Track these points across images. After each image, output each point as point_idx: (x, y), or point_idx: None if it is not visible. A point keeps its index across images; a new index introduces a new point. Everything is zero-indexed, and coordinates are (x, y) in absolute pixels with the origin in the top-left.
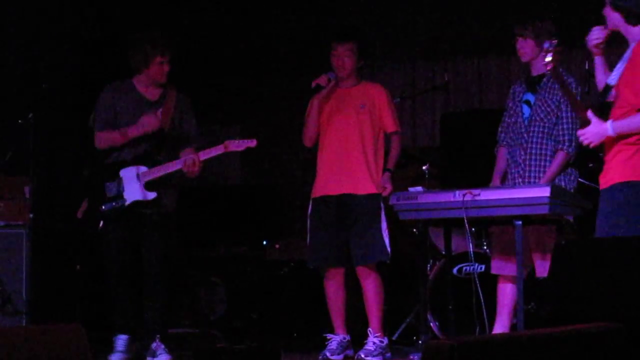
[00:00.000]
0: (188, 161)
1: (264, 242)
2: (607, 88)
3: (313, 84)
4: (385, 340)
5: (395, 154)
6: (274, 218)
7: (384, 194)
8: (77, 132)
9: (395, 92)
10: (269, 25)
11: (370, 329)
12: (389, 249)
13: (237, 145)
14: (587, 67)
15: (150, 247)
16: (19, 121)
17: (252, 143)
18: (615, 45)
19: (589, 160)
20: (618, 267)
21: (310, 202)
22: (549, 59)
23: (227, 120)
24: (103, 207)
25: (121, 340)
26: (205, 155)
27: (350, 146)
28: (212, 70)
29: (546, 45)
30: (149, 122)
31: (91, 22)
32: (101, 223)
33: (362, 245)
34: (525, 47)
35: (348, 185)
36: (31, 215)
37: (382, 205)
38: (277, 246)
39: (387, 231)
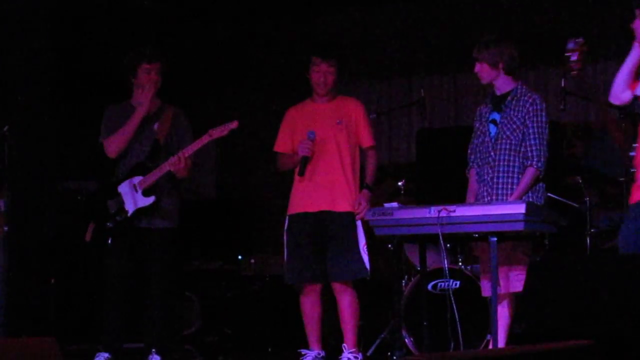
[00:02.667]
0: (173, 159)
1: (239, 257)
2: (635, 99)
3: (301, 155)
4: (360, 356)
5: (372, 169)
6: (249, 233)
7: (358, 211)
8: (53, 145)
9: (371, 108)
10: (240, 43)
11: (344, 344)
12: (367, 266)
13: (221, 130)
14: (562, 85)
15: (156, 264)
16: None
17: (234, 124)
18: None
19: (565, 174)
20: (591, 284)
21: (287, 218)
22: (574, 59)
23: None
24: (109, 224)
25: (102, 358)
26: (191, 149)
27: (328, 163)
28: (186, 86)
29: (570, 45)
30: (142, 100)
31: (67, 33)
32: (109, 240)
33: (338, 262)
34: (481, 71)
35: (326, 203)
36: (6, 228)
37: (359, 222)
38: (252, 261)
39: (365, 248)
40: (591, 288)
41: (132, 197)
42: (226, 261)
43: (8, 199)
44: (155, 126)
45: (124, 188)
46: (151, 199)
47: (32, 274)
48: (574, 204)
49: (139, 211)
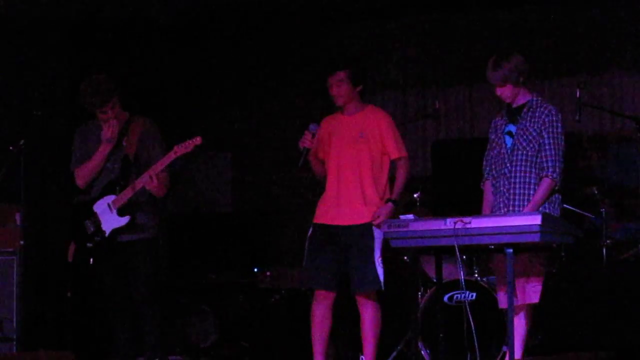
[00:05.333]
0: (145, 178)
1: (255, 270)
2: None
3: (301, 146)
4: None
5: (399, 182)
6: (265, 246)
7: (375, 222)
8: (68, 159)
9: None
10: (258, 55)
11: (362, 356)
12: (381, 278)
13: (186, 147)
14: (577, 96)
15: (135, 274)
16: (10, 148)
17: (198, 141)
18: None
19: (581, 185)
20: (608, 295)
21: (311, 226)
22: None
23: (219, 147)
24: (88, 244)
25: None
26: (158, 167)
27: (346, 177)
28: (204, 98)
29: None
30: (106, 135)
31: (84, 48)
32: (91, 260)
33: (356, 274)
34: (505, 92)
35: (343, 217)
36: (22, 242)
37: (376, 234)
38: (268, 274)
39: (380, 260)
40: (607, 299)
41: (108, 217)
42: (242, 274)
43: (24, 213)
44: (123, 142)
45: (99, 207)
46: (126, 219)
47: (48, 287)
48: (590, 215)
49: (116, 231)
